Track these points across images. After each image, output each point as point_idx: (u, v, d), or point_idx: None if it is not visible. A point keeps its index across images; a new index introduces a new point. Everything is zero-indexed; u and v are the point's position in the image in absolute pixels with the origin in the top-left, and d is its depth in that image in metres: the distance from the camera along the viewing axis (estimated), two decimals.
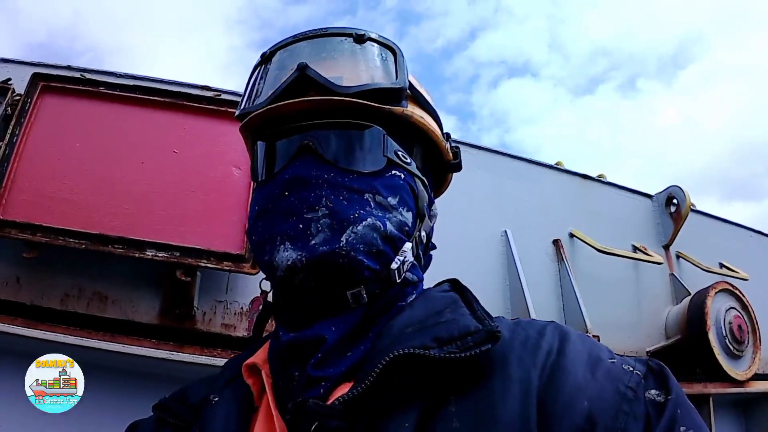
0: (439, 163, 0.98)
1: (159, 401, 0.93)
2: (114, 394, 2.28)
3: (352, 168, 0.81)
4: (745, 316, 3.54)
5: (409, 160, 0.87)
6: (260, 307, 0.98)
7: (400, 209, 0.83)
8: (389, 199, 0.82)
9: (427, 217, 0.91)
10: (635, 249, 3.62)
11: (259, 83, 0.91)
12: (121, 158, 2.48)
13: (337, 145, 0.82)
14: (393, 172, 0.84)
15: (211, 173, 2.53)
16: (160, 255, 2.35)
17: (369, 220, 0.79)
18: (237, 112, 0.93)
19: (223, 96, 2.74)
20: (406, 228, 0.85)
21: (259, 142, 0.88)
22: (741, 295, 3.57)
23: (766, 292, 3.99)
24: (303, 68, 0.83)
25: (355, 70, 0.87)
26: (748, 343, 3.50)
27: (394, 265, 0.82)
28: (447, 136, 0.99)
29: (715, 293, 3.44)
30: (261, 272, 0.89)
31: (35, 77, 2.49)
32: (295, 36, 0.91)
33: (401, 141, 0.87)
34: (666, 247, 3.81)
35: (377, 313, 0.81)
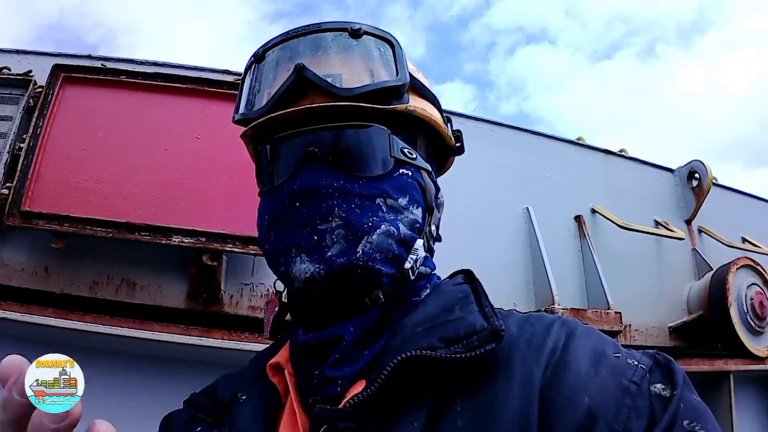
0: (442, 147, 0.96)
1: (190, 396, 0.94)
2: (144, 380, 2.33)
3: (361, 173, 0.80)
4: (766, 292, 3.53)
5: (414, 155, 0.85)
6: (276, 309, 0.97)
7: (411, 208, 0.83)
8: (400, 200, 0.81)
9: (435, 209, 0.90)
10: (657, 224, 3.61)
11: (254, 85, 0.89)
12: (145, 146, 2.50)
13: (344, 150, 0.80)
14: (401, 171, 0.83)
15: (234, 158, 2.53)
16: (186, 241, 2.39)
17: (383, 226, 0.78)
18: (235, 118, 0.90)
19: None
20: (417, 225, 0.84)
21: (261, 147, 0.86)
22: (763, 271, 3.57)
23: None
24: (300, 69, 0.80)
25: (354, 68, 0.84)
26: None
27: (407, 265, 0.81)
28: (447, 119, 0.97)
29: (737, 269, 3.44)
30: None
31: (56, 68, 2.50)
32: (287, 33, 0.87)
33: (405, 135, 0.86)
34: (688, 222, 3.81)
35: (392, 311, 0.81)
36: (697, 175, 3.78)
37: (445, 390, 0.70)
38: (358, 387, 0.72)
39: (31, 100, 2.47)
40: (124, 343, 2.26)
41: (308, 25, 0.86)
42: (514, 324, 0.76)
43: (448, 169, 1.03)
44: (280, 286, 0.90)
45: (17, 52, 2.62)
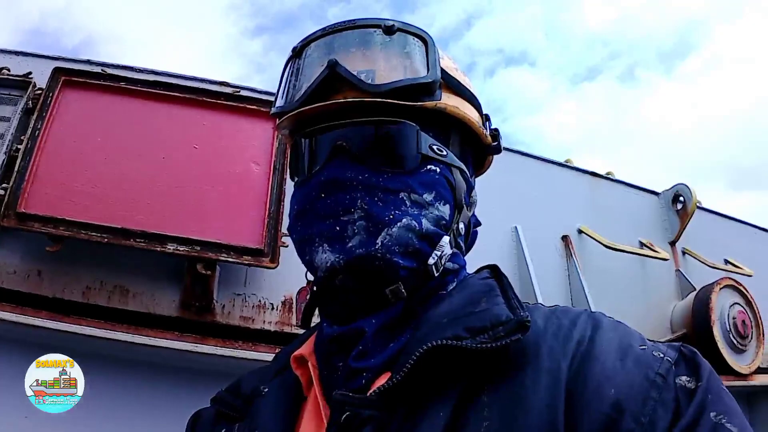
0: (479, 146, 0.96)
1: (216, 394, 0.95)
2: (140, 385, 2.31)
3: (386, 168, 0.81)
4: (748, 312, 3.60)
5: (444, 153, 0.86)
6: (307, 297, 0.98)
7: (437, 204, 0.83)
8: (425, 195, 0.82)
9: (465, 207, 0.89)
10: (642, 245, 3.67)
11: (290, 80, 0.91)
12: (143, 153, 2.50)
13: (371, 145, 0.82)
14: (428, 167, 0.84)
15: (230, 169, 2.55)
16: (181, 249, 2.37)
17: (404, 220, 0.79)
18: (272, 110, 0.93)
19: (242, 92, 2.75)
20: (443, 222, 0.84)
21: (294, 140, 0.89)
22: (745, 291, 3.64)
23: None
24: (333, 65, 0.82)
25: (386, 64, 0.85)
26: (751, 337, 3.56)
27: (431, 261, 0.82)
28: (486, 118, 0.97)
29: (720, 289, 3.50)
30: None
31: (57, 71, 2.50)
32: (323, 29, 0.89)
33: (437, 132, 0.87)
34: (672, 244, 3.88)
35: (418, 304, 0.81)
36: (681, 198, 3.87)
37: (472, 381, 0.70)
38: (383, 379, 0.73)
39: (30, 102, 2.46)
40: (120, 348, 2.23)
41: (343, 22, 0.88)
42: (540, 317, 0.77)
43: (487, 168, 1.04)
44: (310, 275, 0.90)
45: (17, 53, 2.62)
